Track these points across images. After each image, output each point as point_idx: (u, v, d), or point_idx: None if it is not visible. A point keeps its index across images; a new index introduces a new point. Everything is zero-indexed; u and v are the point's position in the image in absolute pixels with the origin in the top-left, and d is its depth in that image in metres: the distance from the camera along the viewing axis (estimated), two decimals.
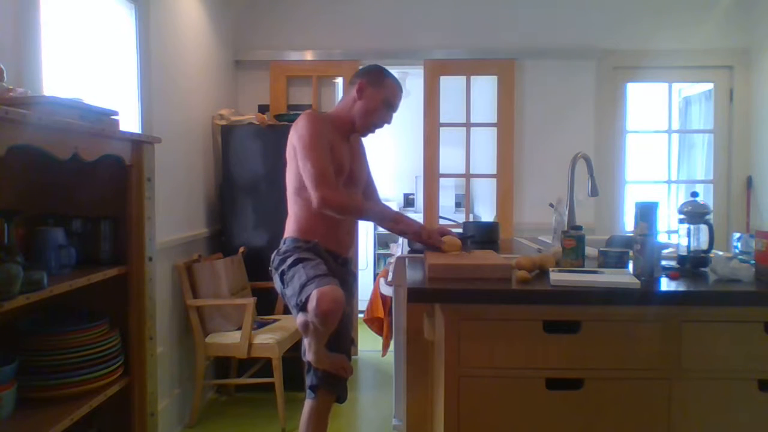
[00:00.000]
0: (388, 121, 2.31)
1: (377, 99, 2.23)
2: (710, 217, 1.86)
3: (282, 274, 2.12)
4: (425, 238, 2.11)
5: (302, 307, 1.99)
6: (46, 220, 1.81)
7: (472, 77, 4.24)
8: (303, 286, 1.99)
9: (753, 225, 4.06)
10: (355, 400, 3.65)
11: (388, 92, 2.25)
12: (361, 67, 2.39)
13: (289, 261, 2.10)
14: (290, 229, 2.22)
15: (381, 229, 5.87)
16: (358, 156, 2.35)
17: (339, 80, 4.28)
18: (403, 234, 2.23)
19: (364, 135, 2.35)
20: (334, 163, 2.15)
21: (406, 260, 2.12)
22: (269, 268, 2.23)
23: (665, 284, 1.67)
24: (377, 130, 2.33)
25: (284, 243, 2.20)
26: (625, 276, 1.65)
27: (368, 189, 2.45)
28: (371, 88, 2.23)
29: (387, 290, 3.38)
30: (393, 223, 2.20)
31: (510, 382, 1.60)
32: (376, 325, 3.69)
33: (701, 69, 4.26)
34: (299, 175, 2.13)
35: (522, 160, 4.21)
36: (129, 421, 1.99)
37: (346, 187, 2.24)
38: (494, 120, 4.22)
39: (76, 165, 1.69)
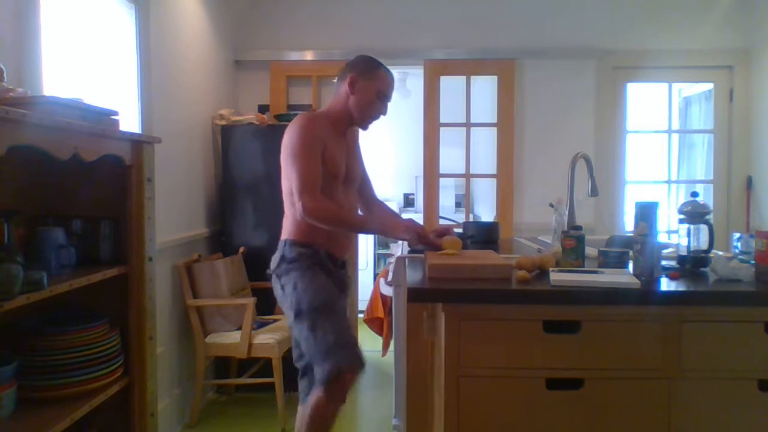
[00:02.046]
0: (384, 113, 2.25)
1: (370, 92, 2.17)
2: (710, 217, 1.86)
3: (283, 285, 2.12)
4: (420, 239, 2.09)
5: (325, 380, 1.99)
6: (46, 220, 1.81)
7: (472, 77, 4.24)
8: (329, 352, 1.98)
9: (753, 225, 4.06)
10: (355, 400, 3.65)
11: (380, 84, 2.19)
12: (350, 60, 2.29)
13: (294, 276, 2.09)
14: (289, 230, 2.18)
15: None
16: (353, 153, 2.33)
17: None
18: (396, 238, 2.19)
19: (365, 128, 2.29)
20: (330, 164, 2.12)
21: (406, 260, 2.11)
22: (267, 272, 2.21)
23: (665, 284, 1.67)
24: (375, 122, 2.28)
25: (284, 246, 2.17)
26: (625, 276, 1.65)
27: (364, 185, 2.42)
28: (362, 81, 2.17)
29: (387, 290, 3.38)
30: (382, 231, 2.16)
31: (510, 382, 1.60)
32: (376, 325, 3.70)
33: (701, 69, 4.26)
34: None
35: (522, 160, 4.21)
36: (129, 421, 1.99)
37: (343, 185, 2.23)
38: (494, 120, 4.22)
39: (76, 165, 1.69)
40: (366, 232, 2.22)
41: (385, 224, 2.24)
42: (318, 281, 2.10)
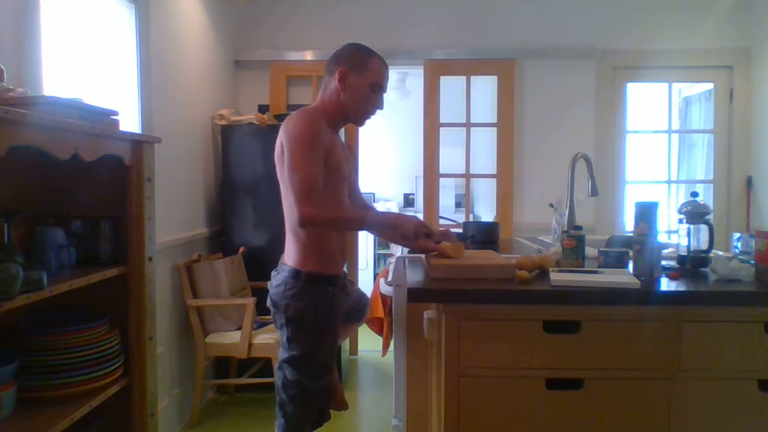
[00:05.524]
0: (381, 107, 2.01)
1: (363, 86, 1.94)
2: (710, 217, 1.86)
3: (290, 337, 1.93)
4: (416, 242, 1.87)
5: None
6: (46, 220, 1.81)
7: (472, 77, 4.24)
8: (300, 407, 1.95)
9: (753, 225, 4.06)
10: (355, 400, 3.65)
11: (373, 75, 1.95)
12: (338, 50, 2.05)
13: (302, 336, 1.91)
14: (301, 255, 1.92)
15: None
16: (348, 152, 2.18)
17: None
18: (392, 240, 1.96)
19: (360, 124, 2.09)
20: (337, 167, 1.92)
21: (406, 260, 2.11)
22: (271, 299, 1.96)
23: (665, 284, 1.67)
24: (371, 117, 2.09)
25: (296, 277, 1.91)
26: (625, 276, 1.65)
27: (353, 186, 2.25)
28: (354, 75, 1.94)
29: (387, 290, 3.38)
30: (379, 228, 1.96)
31: (510, 382, 1.60)
32: (376, 325, 3.69)
33: (701, 69, 4.26)
34: None
35: (522, 160, 4.21)
36: (129, 421, 1.99)
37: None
38: (494, 120, 4.22)
39: (76, 165, 1.68)
40: (365, 228, 2.03)
41: (383, 220, 1.99)
42: (329, 346, 1.97)
